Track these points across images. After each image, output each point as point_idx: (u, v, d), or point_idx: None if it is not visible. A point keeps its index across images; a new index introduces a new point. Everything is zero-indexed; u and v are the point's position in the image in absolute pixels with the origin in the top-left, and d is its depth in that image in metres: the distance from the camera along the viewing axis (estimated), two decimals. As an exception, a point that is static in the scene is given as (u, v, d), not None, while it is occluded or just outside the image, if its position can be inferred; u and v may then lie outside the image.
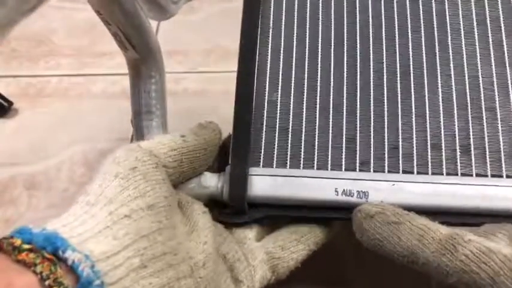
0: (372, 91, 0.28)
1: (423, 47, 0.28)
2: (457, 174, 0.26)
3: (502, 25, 0.28)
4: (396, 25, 0.29)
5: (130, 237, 0.20)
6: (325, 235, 0.27)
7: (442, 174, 0.26)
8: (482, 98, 0.27)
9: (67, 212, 0.21)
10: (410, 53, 0.28)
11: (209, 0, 0.56)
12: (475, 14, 0.29)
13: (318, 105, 0.28)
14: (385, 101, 0.27)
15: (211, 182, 0.27)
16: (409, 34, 0.29)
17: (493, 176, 0.25)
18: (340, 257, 0.33)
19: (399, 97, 0.27)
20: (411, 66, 0.28)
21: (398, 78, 0.28)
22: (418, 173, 0.26)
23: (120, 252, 0.19)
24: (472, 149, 0.26)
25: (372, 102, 0.28)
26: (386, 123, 0.27)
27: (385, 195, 0.25)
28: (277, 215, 0.27)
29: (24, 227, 0.19)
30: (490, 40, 0.28)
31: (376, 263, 0.35)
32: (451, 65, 0.28)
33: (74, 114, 0.47)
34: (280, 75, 0.29)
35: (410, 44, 0.28)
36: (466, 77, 0.27)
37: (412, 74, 0.28)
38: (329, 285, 0.33)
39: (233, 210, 0.26)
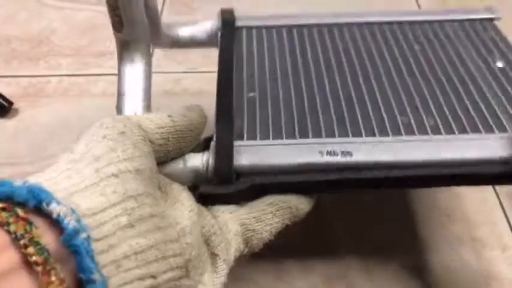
0: (337, 78, 0.33)
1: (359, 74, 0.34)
2: (424, 134, 0.29)
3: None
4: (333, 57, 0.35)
5: (118, 195, 0.19)
6: (302, 208, 0.27)
7: (415, 134, 0.29)
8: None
9: (49, 168, 0.21)
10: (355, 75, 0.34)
11: (208, 0, 0.56)
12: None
13: (292, 90, 0.32)
14: (339, 88, 0.32)
15: (196, 160, 0.27)
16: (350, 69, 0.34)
17: (446, 132, 0.29)
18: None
19: (349, 81, 0.33)
20: (359, 74, 0.34)
21: (349, 76, 0.33)
22: (392, 134, 0.28)
23: (107, 209, 0.19)
24: (420, 107, 0.30)
25: (339, 86, 0.32)
26: (355, 99, 0.31)
27: (367, 153, 0.27)
28: (264, 183, 0.27)
29: (5, 180, 0.17)
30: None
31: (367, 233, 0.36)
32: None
33: (74, 114, 0.47)
34: (256, 60, 0.34)
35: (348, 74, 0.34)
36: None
37: (360, 77, 0.33)
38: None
39: (219, 178, 0.26)
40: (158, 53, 0.53)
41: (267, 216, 0.26)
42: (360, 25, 0.38)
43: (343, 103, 0.31)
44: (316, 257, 0.36)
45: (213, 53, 0.53)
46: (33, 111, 0.48)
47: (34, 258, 0.15)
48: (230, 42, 0.36)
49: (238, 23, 0.38)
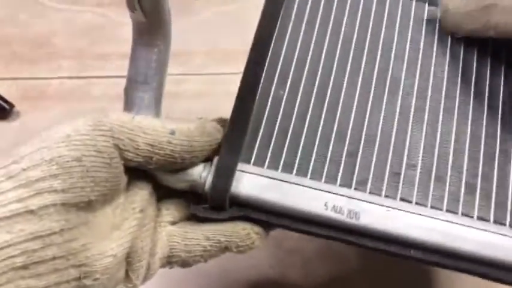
0: (383, 108, 0.26)
1: (445, 79, 0.27)
2: (457, 213, 0.24)
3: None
4: (421, 47, 0.28)
5: (23, 234, 0.19)
6: (247, 246, 0.25)
7: (442, 209, 0.24)
8: (498, 138, 0.26)
9: None
10: (430, 82, 0.27)
11: (210, 2, 0.56)
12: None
13: (324, 112, 0.26)
14: (395, 122, 0.26)
15: (195, 172, 0.24)
16: (433, 62, 0.28)
17: (495, 222, 0.24)
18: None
19: (410, 121, 0.26)
20: (429, 92, 0.27)
21: (414, 101, 0.27)
22: (416, 203, 0.24)
23: (5, 249, 0.18)
24: (478, 189, 0.24)
25: (381, 120, 0.26)
26: (392, 144, 0.26)
27: (377, 220, 0.24)
28: (258, 219, 0.25)
29: None
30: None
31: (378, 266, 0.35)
32: (471, 104, 0.27)
33: (75, 117, 0.47)
34: (292, 72, 0.27)
35: (431, 77, 0.27)
36: (485, 114, 0.26)
37: (428, 101, 0.27)
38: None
39: (212, 204, 0.24)
40: (159, 55, 0.53)
41: (199, 248, 0.24)
42: None
43: (377, 144, 0.25)
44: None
45: (214, 55, 0.53)
46: (34, 114, 0.48)
47: None
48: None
49: None
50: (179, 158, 0.23)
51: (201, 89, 0.49)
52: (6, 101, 0.48)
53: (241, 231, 0.25)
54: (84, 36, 0.56)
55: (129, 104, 0.26)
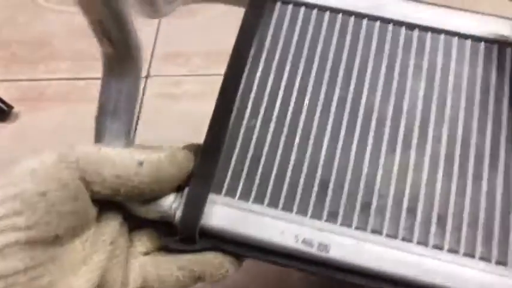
0: (355, 139, 0.26)
1: (419, 107, 0.27)
2: (427, 245, 0.24)
3: (507, 96, 0.27)
4: (397, 71, 0.27)
5: None
6: (221, 274, 0.25)
7: (412, 241, 0.24)
8: (470, 168, 0.25)
9: None
10: (405, 109, 0.27)
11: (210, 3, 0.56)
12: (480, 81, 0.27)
13: (296, 142, 0.26)
14: (368, 152, 0.26)
15: (166, 201, 0.24)
16: (407, 88, 0.27)
17: (465, 254, 0.24)
18: None
19: (383, 151, 0.26)
20: (402, 122, 0.26)
21: (387, 130, 0.26)
22: (386, 235, 0.24)
23: None
24: (448, 221, 0.24)
25: (353, 151, 0.26)
26: (363, 175, 0.25)
27: (347, 253, 0.23)
28: (228, 250, 0.25)
29: None
30: (490, 111, 0.27)
31: None
32: (444, 132, 0.26)
33: (74, 118, 0.47)
34: (264, 102, 0.27)
35: (406, 103, 0.27)
36: (458, 146, 0.26)
37: (401, 131, 0.26)
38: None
39: (182, 236, 0.24)
40: (158, 55, 0.53)
41: (172, 279, 0.24)
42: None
43: (348, 175, 0.25)
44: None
45: (213, 56, 0.53)
46: (33, 115, 0.48)
47: None
48: (256, 18, 0.28)
49: None
50: (148, 189, 0.23)
51: (200, 90, 0.49)
52: (5, 103, 0.47)
53: (214, 260, 0.24)
54: (82, 38, 0.56)
55: (98, 134, 0.26)
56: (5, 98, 0.48)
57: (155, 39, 0.54)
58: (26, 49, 0.55)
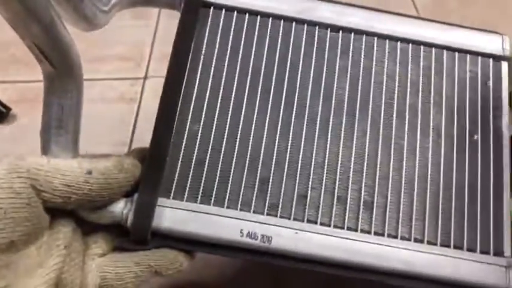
0: (290, 137, 0.28)
1: (345, 103, 0.29)
2: (356, 230, 0.27)
3: (420, 90, 0.30)
4: (324, 71, 0.29)
5: None
6: (176, 268, 0.26)
7: (343, 228, 0.27)
8: (392, 160, 0.28)
9: None
10: (333, 105, 0.29)
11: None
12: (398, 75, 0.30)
13: (237, 143, 0.28)
14: (301, 149, 0.28)
15: (117, 206, 0.25)
16: (334, 86, 0.29)
17: (388, 235, 0.27)
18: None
19: (315, 146, 0.28)
20: (331, 118, 0.28)
21: (317, 128, 0.28)
22: (321, 223, 0.27)
23: None
24: (375, 207, 0.27)
25: (288, 147, 0.28)
26: (299, 169, 0.27)
27: (287, 242, 0.26)
28: (179, 248, 0.26)
29: None
30: (407, 104, 0.29)
31: None
32: (368, 124, 0.29)
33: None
34: (205, 107, 0.28)
35: (334, 100, 0.29)
36: (380, 137, 0.28)
37: (330, 126, 0.28)
38: None
39: (134, 239, 0.26)
40: (156, 56, 0.53)
41: (130, 275, 0.25)
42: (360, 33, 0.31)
43: (285, 170, 0.27)
44: None
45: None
46: (31, 117, 0.48)
47: None
48: (191, 24, 0.29)
49: None
50: (97, 197, 0.24)
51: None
52: (3, 104, 0.48)
53: (169, 255, 0.26)
54: (80, 39, 0.56)
55: (45, 148, 0.26)
56: (3, 100, 0.48)
57: (153, 40, 0.54)
58: (24, 50, 0.55)
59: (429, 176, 0.28)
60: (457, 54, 0.30)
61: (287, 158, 0.28)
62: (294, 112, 0.28)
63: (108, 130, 0.45)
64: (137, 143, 0.46)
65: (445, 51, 0.30)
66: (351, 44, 0.30)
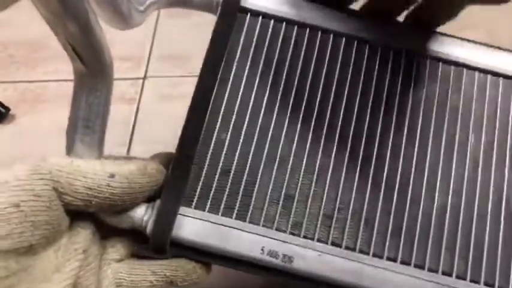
0: (319, 154, 0.27)
1: (378, 130, 0.28)
2: (382, 257, 0.26)
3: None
4: (361, 87, 0.28)
5: None
6: (193, 279, 0.26)
7: (369, 254, 0.26)
8: (424, 186, 0.27)
9: None
10: (365, 128, 0.28)
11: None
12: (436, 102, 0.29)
13: (264, 156, 0.27)
14: (330, 168, 0.27)
15: (137, 212, 0.25)
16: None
17: (415, 266, 0.26)
18: None
19: (344, 167, 0.27)
20: (363, 140, 0.27)
21: (348, 148, 0.27)
22: (346, 247, 0.26)
23: None
24: (403, 234, 0.26)
25: (317, 166, 0.27)
26: (326, 189, 0.26)
27: (309, 264, 0.25)
28: (197, 260, 0.26)
29: None
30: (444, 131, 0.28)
31: None
32: (402, 151, 0.27)
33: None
34: (234, 116, 0.27)
35: (367, 117, 0.28)
36: (413, 166, 0.27)
37: (362, 147, 0.27)
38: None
39: (153, 247, 0.25)
40: (155, 56, 0.53)
41: (145, 284, 0.25)
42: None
43: (312, 187, 0.26)
44: None
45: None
46: (31, 117, 0.48)
47: None
48: (226, 31, 0.29)
49: (245, 3, 0.29)
50: (119, 201, 0.23)
51: (198, 91, 0.49)
52: (2, 105, 0.47)
53: (187, 265, 0.25)
54: (80, 39, 0.56)
55: (70, 147, 0.26)
56: (3, 100, 0.48)
57: (152, 40, 0.54)
58: (24, 50, 0.55)
59: (464, 208, 0.27)
60: None
61: (315, 174, 0.27)
62: (324, 128, 0.27)
63: (108, 130, 0.44)
64: (136, 143, 0.46)
65: None
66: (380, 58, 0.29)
